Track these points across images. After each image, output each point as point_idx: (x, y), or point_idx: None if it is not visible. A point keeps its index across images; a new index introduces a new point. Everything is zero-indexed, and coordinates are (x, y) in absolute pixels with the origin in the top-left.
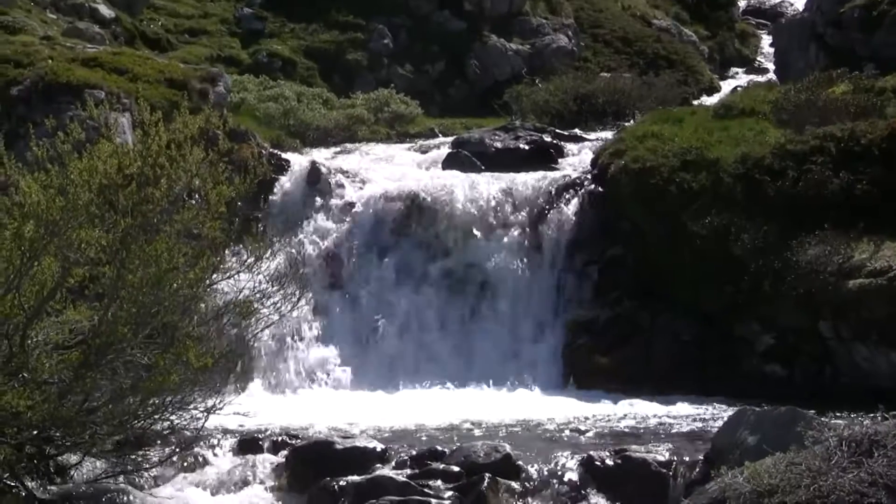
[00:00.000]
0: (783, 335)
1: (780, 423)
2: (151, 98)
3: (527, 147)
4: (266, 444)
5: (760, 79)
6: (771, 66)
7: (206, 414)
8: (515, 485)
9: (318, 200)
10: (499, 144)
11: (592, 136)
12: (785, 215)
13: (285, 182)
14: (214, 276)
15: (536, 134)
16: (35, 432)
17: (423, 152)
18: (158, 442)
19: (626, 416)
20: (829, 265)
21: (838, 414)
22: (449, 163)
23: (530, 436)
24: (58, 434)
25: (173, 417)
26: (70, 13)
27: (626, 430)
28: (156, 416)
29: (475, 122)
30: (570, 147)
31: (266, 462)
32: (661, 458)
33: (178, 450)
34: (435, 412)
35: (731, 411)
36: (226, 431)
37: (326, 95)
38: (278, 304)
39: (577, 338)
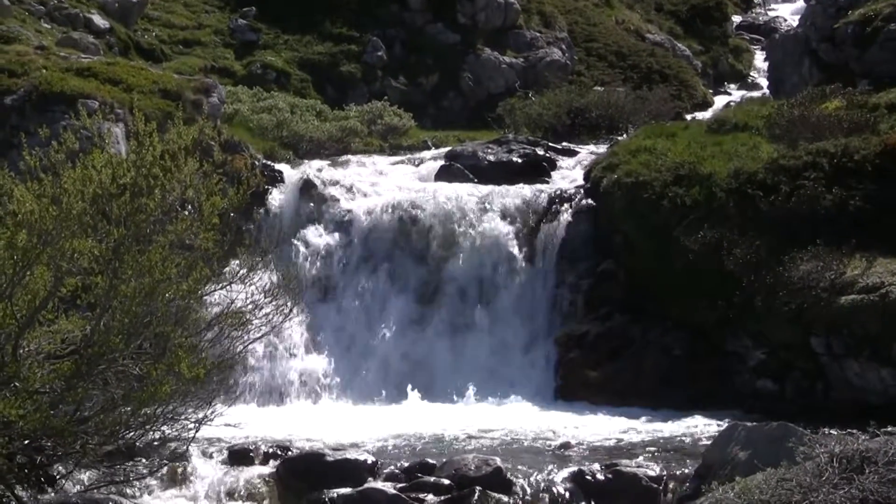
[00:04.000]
0: (775, 350)
1: (771, 439)
2: (145, 108)
3: (520, 160)
4: (257, 456)
5: (754, 94)
6: (764, 82)
7: (197, 425)
8: (506, 498)
9: (311, 212)
10: (492, 157)
11: (585, 149)
12: (777, 231)
13: (278, 194)
14: (207, 286)
15: (529, 147)
16: (26, 442)
17: (417, 165)
18: (149, 453)
19: (616, 430)
20: (822, 281)
21: (829, 430)
22: (442, 175)
23: (521, 449)
24: (49, 444)
25: (164, 428)
26: (65, 23)
27: (617, 444)
28: (147, 427)
29: (468, 134)
30: (563, 161)
31: (256, 473)
32: (651, 473)
33: (168, 461)
34: (426, 424)
35: (721, 426)
36: (216, 442)
37: (320, 107)
38: (270, 316)
39: (568, 351)
